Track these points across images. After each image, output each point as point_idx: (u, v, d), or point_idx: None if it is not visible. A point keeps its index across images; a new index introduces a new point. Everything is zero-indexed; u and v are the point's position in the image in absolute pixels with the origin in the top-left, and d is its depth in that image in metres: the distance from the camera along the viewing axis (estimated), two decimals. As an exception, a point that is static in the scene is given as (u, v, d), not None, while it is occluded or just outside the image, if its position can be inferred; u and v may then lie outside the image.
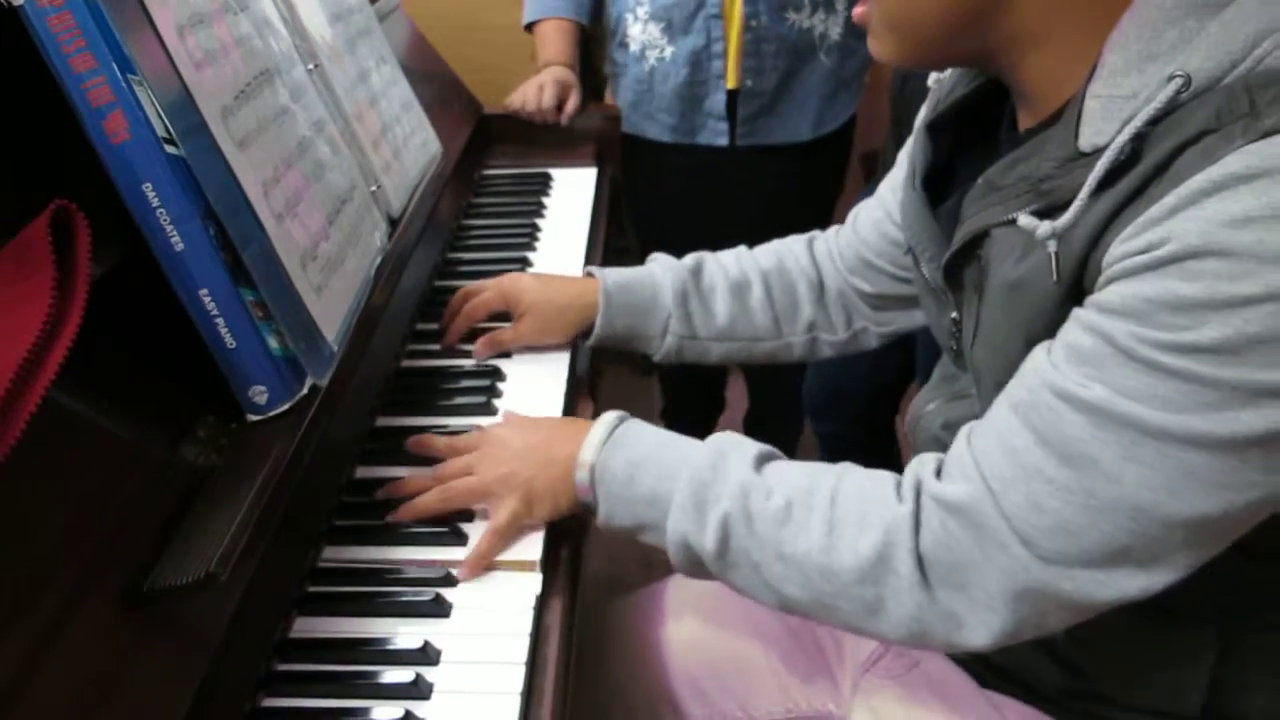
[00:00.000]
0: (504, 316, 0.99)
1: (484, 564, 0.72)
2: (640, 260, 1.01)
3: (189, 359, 0.64)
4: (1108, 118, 0.54)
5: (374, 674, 0.64)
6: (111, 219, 0.59)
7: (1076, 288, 0.56)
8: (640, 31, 1.48)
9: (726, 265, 0.98)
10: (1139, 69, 0.53)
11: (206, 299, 0.63)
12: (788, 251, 0.99)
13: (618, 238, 1.49)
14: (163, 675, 0.53)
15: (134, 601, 0.53)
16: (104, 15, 0.57)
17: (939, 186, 0.73)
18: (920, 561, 0.60)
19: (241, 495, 0.60)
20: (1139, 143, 0.52)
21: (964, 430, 0.62)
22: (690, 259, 0.98)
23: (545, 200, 1.31)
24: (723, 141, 1.51)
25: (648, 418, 0.77)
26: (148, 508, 0.57)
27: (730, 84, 1.47)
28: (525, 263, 1.15)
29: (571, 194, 1.34)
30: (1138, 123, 0.52)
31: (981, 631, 0.59)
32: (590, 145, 1.47)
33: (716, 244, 1.02)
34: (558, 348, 0.98)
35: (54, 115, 0.58)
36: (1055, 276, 0.56)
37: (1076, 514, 0.54)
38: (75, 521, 0.52)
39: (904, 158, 0.83)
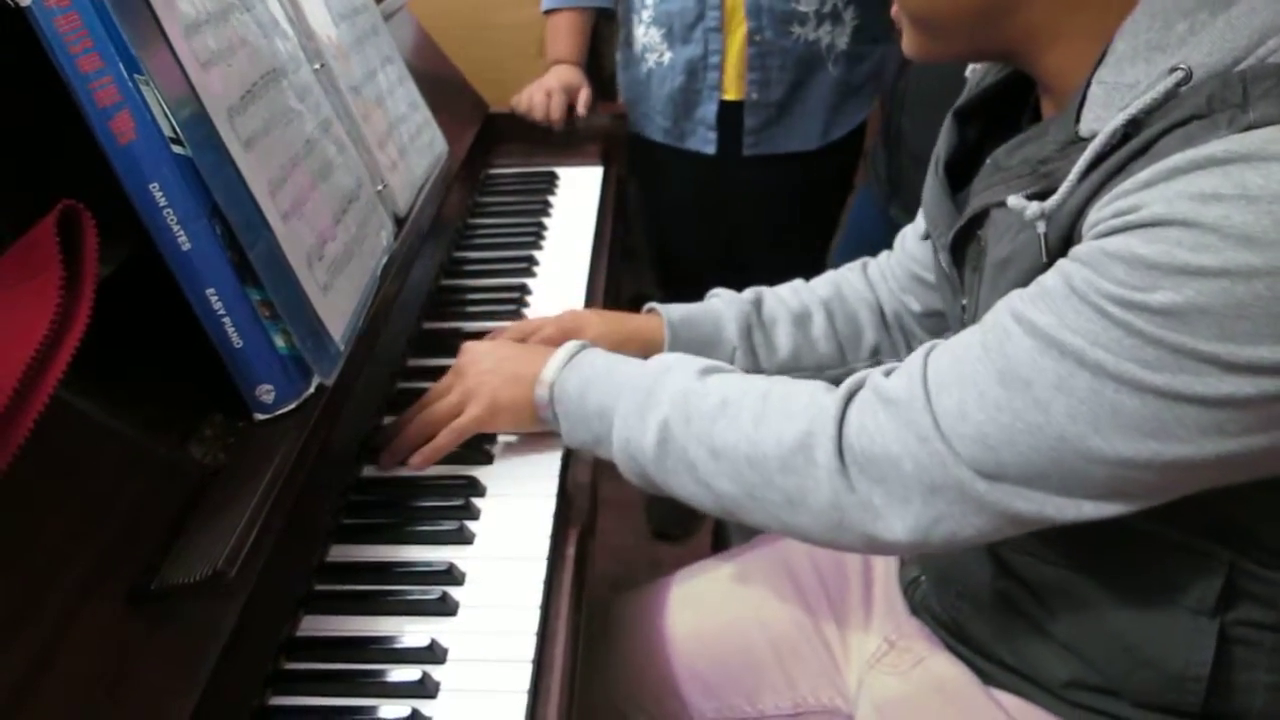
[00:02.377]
0: None
1: (436, 456, 0.79)
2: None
3: (196, 358, 0.64)
4: (1108, 104, 0.55)
5: (381, 672, 0.64)
6: (118, 219, 0.59)
7: None
8: (643, 34, 1.48)
9: (785, 298, 0.96)
10: (1146, 59, 0.54)
11: (213, 298, 0.63)
12: (844, 279, 0.97)
13: (624, 237, 1.48)
14: (170, 673, 0.53)
15: (141, 600, 0.53)
16: (111, 15, 0.57)
17: (966, 174, 0.73)
18: (841, 452, 0.62)
19: (248, 494, 0.60)
20: (1133, 129, 0.53)
21: (928, 343, 0.63)
22: (749, 293, 0.96)
23: (551, 199, 1.31)
24: (710, 150, 1.50)
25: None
26: (155, 506, 0.57)
27: (730, 95, 1.46)
28: (531, 261, 1.15)
29: (578, 193, 1.34)
30: (1133, 110, 0.52)
31: (897, 525, 0.60)
32: (596, 144, 1.46)
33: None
34: None
35: (61, 115, 0.58)
36: (1044, 256, 0.57)
37: (998, 431, 0.55)
38: (83, 520, 0.52)
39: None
